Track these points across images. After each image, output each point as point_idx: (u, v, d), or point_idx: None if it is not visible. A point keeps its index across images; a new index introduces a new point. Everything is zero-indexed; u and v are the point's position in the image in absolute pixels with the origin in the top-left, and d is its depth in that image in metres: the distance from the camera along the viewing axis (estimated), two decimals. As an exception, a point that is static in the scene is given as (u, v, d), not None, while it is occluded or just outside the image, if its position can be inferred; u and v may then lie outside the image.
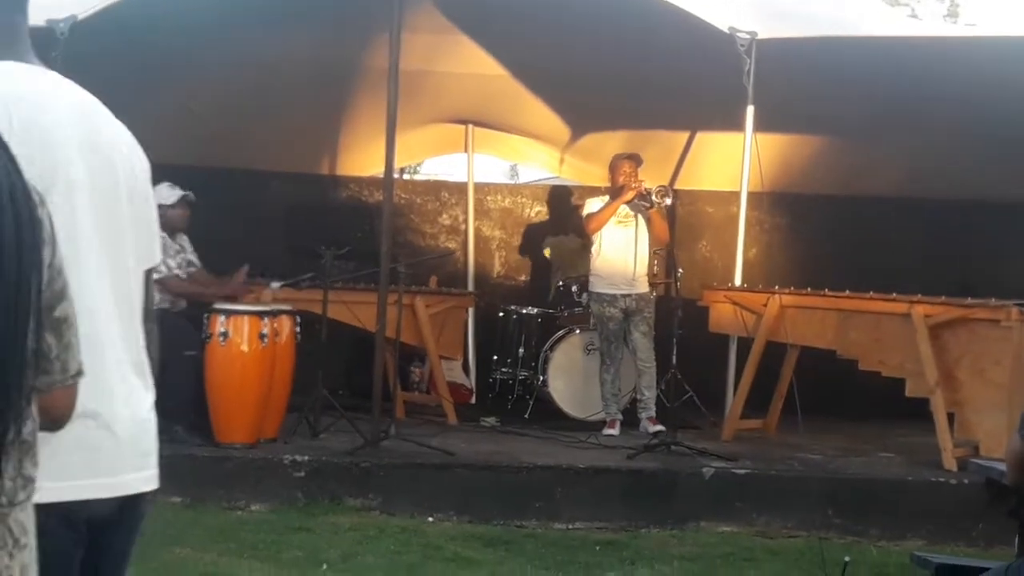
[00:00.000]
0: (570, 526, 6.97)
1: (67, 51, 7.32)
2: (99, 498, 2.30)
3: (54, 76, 2.33)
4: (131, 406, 2.36)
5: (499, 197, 11.89)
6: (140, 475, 2.42)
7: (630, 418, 8.80)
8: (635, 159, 8.78)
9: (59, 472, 2.15)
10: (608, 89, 9.92)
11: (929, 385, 7.39)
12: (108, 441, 2.30)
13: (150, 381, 2.44)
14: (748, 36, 8.06)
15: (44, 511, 2.15)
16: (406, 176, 15.66)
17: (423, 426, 8.53)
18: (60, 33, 7.55)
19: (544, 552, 6.36)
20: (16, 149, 1.97)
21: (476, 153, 11.79)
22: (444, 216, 11.75)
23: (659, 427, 8.39)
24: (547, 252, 10.75)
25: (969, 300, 7.41)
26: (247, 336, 7.32)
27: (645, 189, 8.56)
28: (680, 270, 8.85)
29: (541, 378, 9.51)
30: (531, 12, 8.82)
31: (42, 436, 1.87)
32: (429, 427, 8.51)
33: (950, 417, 7.43)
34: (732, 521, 7.08)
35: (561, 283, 9.98)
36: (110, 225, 2.32)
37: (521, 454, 7.63)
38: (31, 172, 2.05)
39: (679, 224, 11.12)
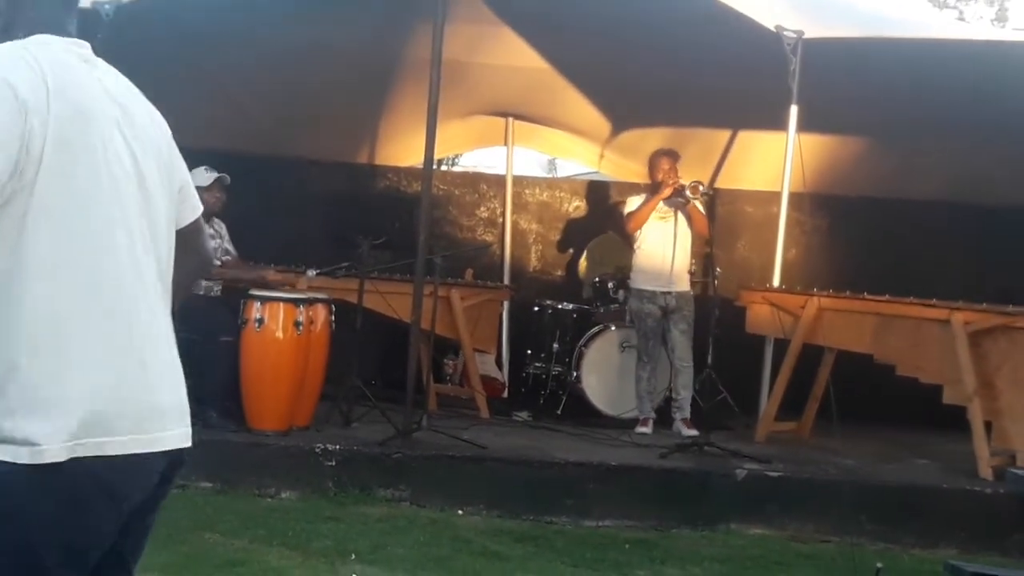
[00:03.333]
0: (600, 524, 6.94)
1: (112, 34, 7.35)
2: (144, 470, 2.32)
3: (89, 54, 2.41)
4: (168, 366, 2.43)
5: (537, 191, 11.86)
6: (179, 432, 2.42)
7: (663, 417, 8.77)
8: (672, 155, 8.78)
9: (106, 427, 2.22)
10: (651, 85, 9.86)
11: (967, 393, 7.32)
12: (148, 396, 2.34)
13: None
14: (794, 35, 8.00)
15: (91, 483, 2.20)
16: (445, 168, 15.64)
17: (455, 419, 8.52)
18: (105, 15, 7.58)
19: (573, 549, 6.33)
20: (54, 105, 2.16)
21: (516, 146, 11.75)
22: (482, 208, 11.73)
23: (693, 431, 8.35)
24: (582, 265, 10.65)
25: (1010, 308, 7.33)
26: (282, 323, 7.33)
27: (680, 185, 8.54)
28: (718, 269, 8.78)
29: (575, 374, 9.48)
30: (575, 6, 8.78)
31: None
32: (461, 420, 8.49)
33: (987, 426, 7.35)
34: (764, 524, 7.03)
35: (598, 279, 9.94)
36: (147, 196, 2.41)
37: (553, 450, 7.60)
38: (70, 131, 2.20)
39: (718, 223, 11.05)
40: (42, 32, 2.34)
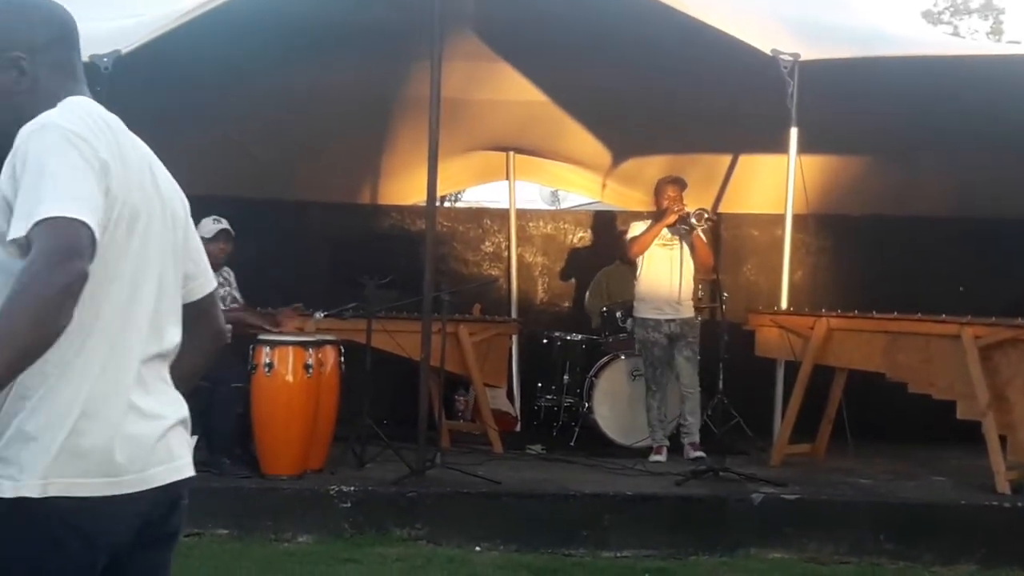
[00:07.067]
0: (618, 554, 6.90)
1: (111, 86, 7.39)
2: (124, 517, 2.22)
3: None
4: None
5: (541, 223, 11.87)
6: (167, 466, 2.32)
7: (677, 444, 8.73)
8: (679, 183, 8.76)
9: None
10: (650, 113, 9.89)
11: (980, 407, 7.28)
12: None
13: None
14: (791, 58, 8.01)
15: (64, 527, 2.13)
16: (448, 204, 15.68)
17: (469, 455, 8.49)
18: (104, 68, 7.62)
19: (593, 581, 6.30)
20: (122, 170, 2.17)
21: (518, 180, 11.78)
22: (487, 243, 11.74)
23: (700, 453, 8.33)
24: (590, 295, 10.63)
25: (1020, 320, 7.29)
26: (292, 367, 7.33)
27: (685, 212, 8.53)
28: (725, 294, 8.78)
29: (586, 405, 9.46)
30: (571, 37, 8.81)
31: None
32: (475, 456, 8.47)
33: (1002, 440, 7.31)
34: (782, 547, 6.98)
35: (605, 309, 9.93)
36: (166, 259, 2.38)
37: (567, 482, 7.57)
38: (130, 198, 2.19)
39: (724, 248, 11.07)
40: (67, 79, 2.34)
